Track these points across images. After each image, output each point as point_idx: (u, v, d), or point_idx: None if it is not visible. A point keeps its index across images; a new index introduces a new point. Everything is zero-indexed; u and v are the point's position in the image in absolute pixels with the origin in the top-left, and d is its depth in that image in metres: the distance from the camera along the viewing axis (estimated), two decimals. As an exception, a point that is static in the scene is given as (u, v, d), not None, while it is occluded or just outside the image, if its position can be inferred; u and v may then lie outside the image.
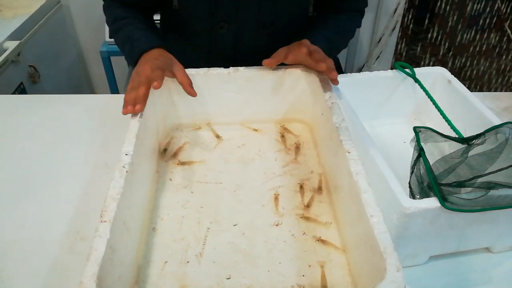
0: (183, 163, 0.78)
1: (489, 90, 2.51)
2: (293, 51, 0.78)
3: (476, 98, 0.78)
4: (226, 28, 0.88)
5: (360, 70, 2.13)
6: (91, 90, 2.12)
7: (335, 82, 0.75)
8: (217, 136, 0.84)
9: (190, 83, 0.73)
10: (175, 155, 0.80)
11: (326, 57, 0.77)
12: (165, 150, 0.80)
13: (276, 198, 0.71)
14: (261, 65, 0.79)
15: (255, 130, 0.86)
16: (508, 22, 2.57)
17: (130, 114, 0.69)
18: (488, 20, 2.67)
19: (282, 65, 0.81)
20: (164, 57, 0.77)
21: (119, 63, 1.68)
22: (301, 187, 0.73)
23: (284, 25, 0.90)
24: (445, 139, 0.67)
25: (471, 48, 2.70)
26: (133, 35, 0.82)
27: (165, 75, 0.73)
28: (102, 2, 0.90)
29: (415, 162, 0.62)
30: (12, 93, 1.41)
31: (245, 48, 0.92)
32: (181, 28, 0.93)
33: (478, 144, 0.65)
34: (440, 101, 0.78)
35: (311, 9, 0.92)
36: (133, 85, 0.72)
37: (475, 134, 0.66)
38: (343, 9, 0.93)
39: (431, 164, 0.60)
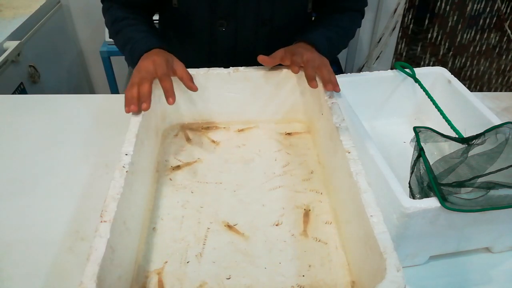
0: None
1: (489, 90, 2.51)
2: (289, 56, 0.78)
3: (476, 98, 0.78)
4: (226, 25, 0.88)
5: (360, 70, 2.13)
6: (91, 90, 2.12)
7: (332, 89, 0.74)
8: (213, 141, 0.83)
9: (191, 78, 0.73)
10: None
11: (321, 66, 0.76)
12: None
13: (307, 214, 0.68)
14: (261, 64, 0.79)
15: (255, 130, 0.86)
16: (508, 22, 2.57)
17: (131, 113, 0.69)
18: (488, 20, 2.67)
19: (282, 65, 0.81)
20: (164, 54, 0.76)
21: (119, 63, 1.68)
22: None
23: (283, 21, 0.90)
24: (445, 139, 0.67)
25: (471, 48, 2.70)
26: (133, 36, 0.82)
27: (168, 70, 0.72)
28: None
29: (415, 162, 0.62)
30: (12, 93, 1.41)
31: (244, 46, 0.92)
32: (180, 26, 0.93)
33: (478, 144, 0.65)
34: (440, 101, 0.78)
35: (310, 6, 0.92)
36: (134, 80, 0.71)
37: (475, 134, 0.66)
38: (343, 8, 0.93)
39: (431, 164, 0.60)
